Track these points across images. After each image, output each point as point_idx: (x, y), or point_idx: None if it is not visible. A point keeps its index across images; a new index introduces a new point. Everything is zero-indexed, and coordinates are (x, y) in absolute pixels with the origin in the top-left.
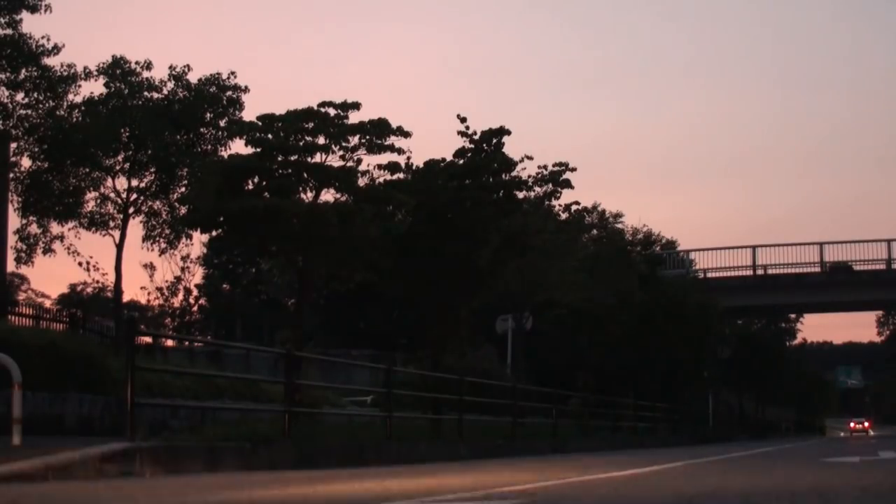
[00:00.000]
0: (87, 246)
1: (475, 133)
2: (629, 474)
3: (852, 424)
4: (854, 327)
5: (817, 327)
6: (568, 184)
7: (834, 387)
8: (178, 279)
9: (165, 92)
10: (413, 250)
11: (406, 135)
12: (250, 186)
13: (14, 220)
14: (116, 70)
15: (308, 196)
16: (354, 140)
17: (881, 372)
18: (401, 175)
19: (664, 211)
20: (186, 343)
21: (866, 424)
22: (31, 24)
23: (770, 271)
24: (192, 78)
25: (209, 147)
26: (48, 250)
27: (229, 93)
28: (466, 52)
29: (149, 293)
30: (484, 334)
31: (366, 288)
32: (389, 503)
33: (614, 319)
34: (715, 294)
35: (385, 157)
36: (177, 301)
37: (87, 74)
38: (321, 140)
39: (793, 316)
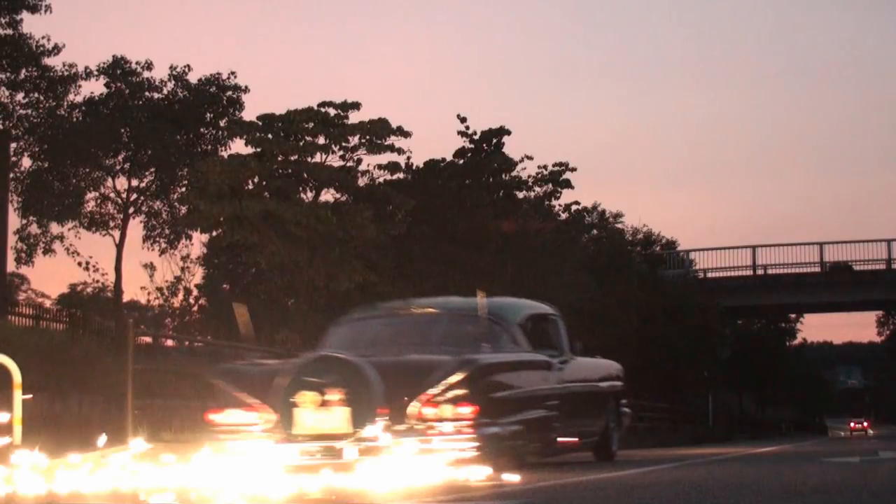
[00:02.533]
0: (87, 246)
1: (475, 133)
2: (628, 473)
3: (852, 424)
4: (854, 327)
5: (817, 327)
6: (568, 184)
7: (834, 387)
8: (178, 279)
9: (165, 92)
10: (413, 251)
11: (406, 135)
12: (250, 187)
13: (14, 220)
14: (117, 70)
15: (308, 196)
16: (354, 140)
17: (881, 372)
18: (401, 175)
19: (664, 211)
20: (187, 343)
21: (865, 424)
22: (31, 24)
23: (770, 271)
24: (192, 78)
25: (209, 147)
26: (48, 250)
27: (229, 93)
28: (466, 51)
29: (149, 293)
30: None
31: (366, 288)
32: None
33: (614, 319)
34: (715, 294)
35: (385, 157)
36: (177, 301)
37: (88, 74)
38: (321, 140)
39: (793, 316)
